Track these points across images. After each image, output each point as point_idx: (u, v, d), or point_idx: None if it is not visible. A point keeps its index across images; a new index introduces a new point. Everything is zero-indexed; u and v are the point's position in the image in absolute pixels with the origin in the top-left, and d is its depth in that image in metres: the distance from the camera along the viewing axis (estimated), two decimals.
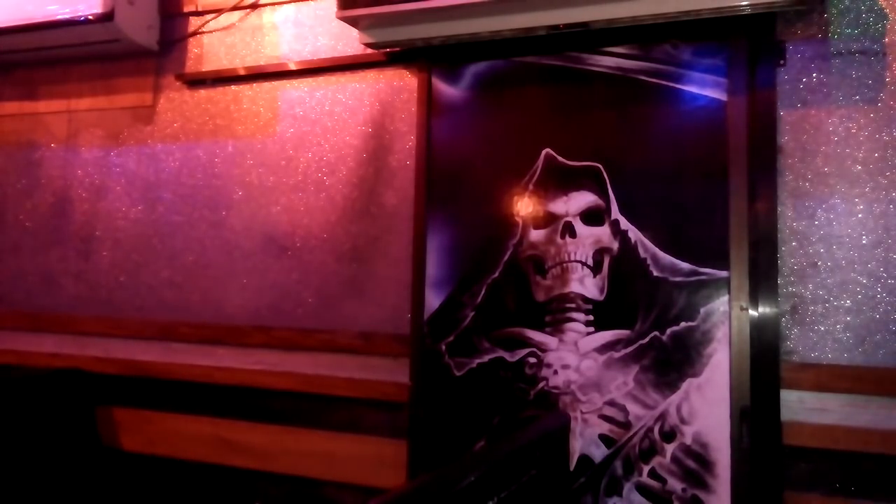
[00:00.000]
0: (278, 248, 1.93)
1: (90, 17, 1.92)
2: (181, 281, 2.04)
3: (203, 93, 2.06)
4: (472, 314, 1.65)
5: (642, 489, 1.47)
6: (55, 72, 2.26)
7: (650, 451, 1.47)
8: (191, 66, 2.08)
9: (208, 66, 2.05)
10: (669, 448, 1.46)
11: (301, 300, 1.89)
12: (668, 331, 1.48)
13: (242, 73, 2.00)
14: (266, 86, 1.98)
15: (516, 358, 1.60)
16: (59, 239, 2.21)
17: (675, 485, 1.44)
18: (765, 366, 1.41)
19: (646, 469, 1.47)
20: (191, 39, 2.08)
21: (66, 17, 1.95)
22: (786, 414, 1.40)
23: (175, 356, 2.01)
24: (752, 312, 1.43)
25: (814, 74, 1.47)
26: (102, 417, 2.05)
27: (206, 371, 1.95)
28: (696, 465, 1.43)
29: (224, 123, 2.02)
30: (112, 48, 2.07)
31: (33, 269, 2.24)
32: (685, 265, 1.48)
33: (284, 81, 1.96)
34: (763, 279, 1.43)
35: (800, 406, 1.41)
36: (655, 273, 1.50)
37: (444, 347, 1.67)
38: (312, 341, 1.85)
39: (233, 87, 2.02)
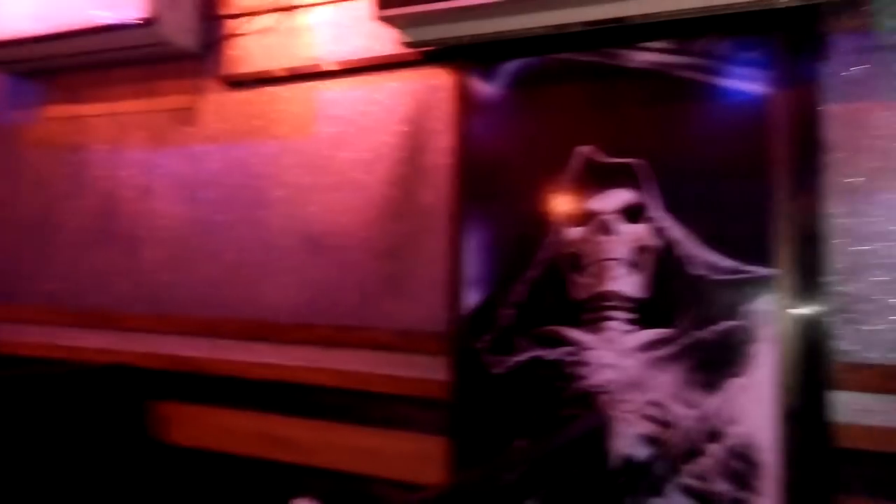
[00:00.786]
0: (316, 246, 1.95)
1: (134, 22, 1.96)
2: (223, 279, 2.08)
3: (242, 94, 2.09)
4: (509, 312, 1.65)
5: (685, 490, 1.46)
6: (99, 76, 2.32)
7: (693, 452, 1.46)
8: (230, 69, 2.11)
9: (247, 67, 2.08)
10: (713, 449, 1.44)
11: (340, 298, 1.91)
12: (712, 329, 1.45)
13: (280, 74, 2.02)
14: (303, 86, 2.00)
15: (555, 356, 1.60)
16: (107, 238, 2.28)
17: (720, 486, 1.43)
18: (812, 366, 1.38)
19: (689, 470, 1.46)
20: (230, 42, 2.11)
21: (110, 22, 1.99)
22: (835, 415, 1.37)
23: (219, 352, 2.05)
24: (799, 311, 1.39)
25: (858, 67, 1.42)
26: (151, 411, 2.11)
27: (248, 367, 1.99)
28: (741, 466, 1.41)
29: (263, 124, 2.05)
30: (154, 51, 2.11)
31: (83, 267, 2.31)
32: (728, 263, 1.45)
33: (321, 82, 1.97)
34: (810, 277, 1.39)
35: (849, 407, 1.37)
36: (697, 270, 1.48)
37: (482, 345, 1.67)
38: (352, 338, 1.88)
39: (271, 89, 2.04)
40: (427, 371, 1.75)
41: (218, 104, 2.13)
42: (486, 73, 1.73)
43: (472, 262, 1.70)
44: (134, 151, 2.25)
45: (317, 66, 1.96)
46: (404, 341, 1.81)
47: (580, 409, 1.56)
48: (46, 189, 2.40)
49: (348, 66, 1.92)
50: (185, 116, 2.17)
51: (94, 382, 2.01)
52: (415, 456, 1.76)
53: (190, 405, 2.07)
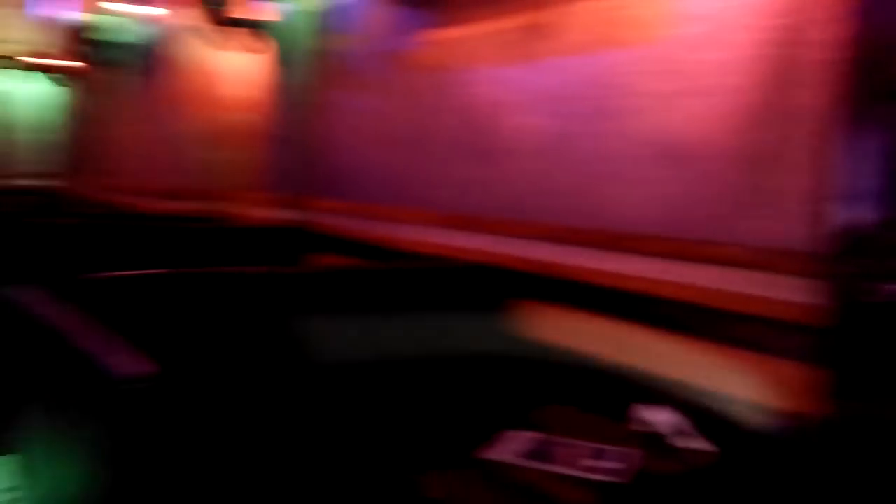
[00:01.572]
0: (670, 157, 1.89)
1: None
2: (576, 189, 2.16)
3: (598, 3, 2.07)
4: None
5: None
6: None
7: None
8: None
9: None
10: None
11: (693, 211, 1.84)
12: None
13: None
14: None
15: None
16: (480, 151, 2.52)
17: None
18: None
19: None
20: None
21: None
22: None
23: (574, 258, 2.15)
24: None
25: None
26: (514, 308, 2.33)
27: (601, 274, 2.05)
28: None
29: (619, 32, 2.02)
30: None
31: (453, 176, 2.61)
32: None
33: None
34: None
35: None
36: None
37: (862, 270, 1.46)
38: (704, 253, 1.80)
39: None
40: (788, 293, 1.61)
41: (572, 15, 2.15)
42: None
43: (855, 174, 1.48)
44: (497, 68, 2.43)
45: None
46: (763, 259, 1.67)
47: None
48: (428, 107, 2.75)
49: None
50: (543, 31, 2.25)
51: (461, 278, 2.30)
52: (778, 381, 1.65)
53: (548, 305, 2.23)
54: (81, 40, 4.76)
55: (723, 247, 1.76)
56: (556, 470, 1.49)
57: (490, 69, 2.46)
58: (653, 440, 1.68)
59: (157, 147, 4.48)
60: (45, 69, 5.82)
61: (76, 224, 3.10)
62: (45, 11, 6.75)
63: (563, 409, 1.99)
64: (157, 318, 1.72)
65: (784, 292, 1.62)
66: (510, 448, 1.59)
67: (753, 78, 1.70)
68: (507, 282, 2.32)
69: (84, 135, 6.22)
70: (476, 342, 2.24)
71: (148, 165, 4.64)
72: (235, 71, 4.03)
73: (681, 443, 1.66)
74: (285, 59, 3.50)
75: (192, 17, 3.74)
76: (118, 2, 5.08)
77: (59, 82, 6.10)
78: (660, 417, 1.72)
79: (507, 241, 2.37)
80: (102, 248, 2.75)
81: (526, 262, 2.29)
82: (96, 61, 4.95)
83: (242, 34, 3.53)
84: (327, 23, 3.37)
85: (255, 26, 3.51)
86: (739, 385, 1.74)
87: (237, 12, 3.41)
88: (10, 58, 6.52)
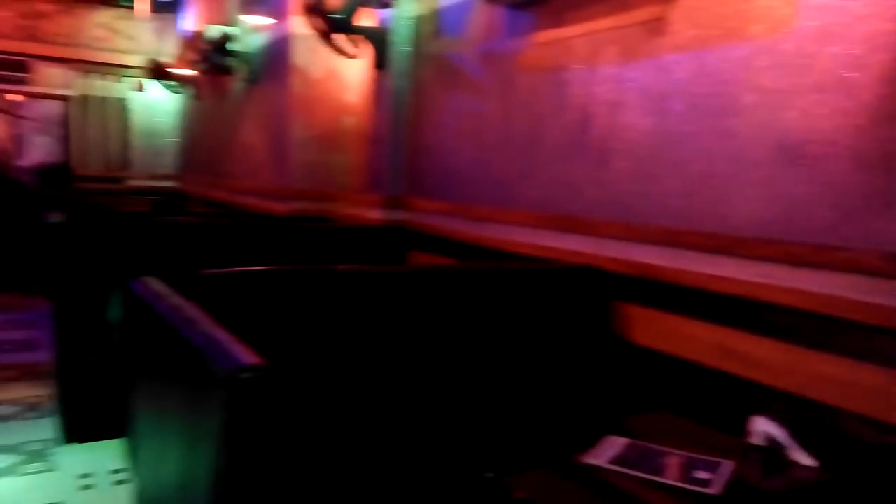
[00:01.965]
0: (791, 156, 1.79)
1: None
2: (687, 190, 2.08)
3: None
4: None
5: None
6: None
7: None
8: None
9: None
10: None
11: (815, 213, 1.73)
12: None
13: None
14: None
15: None
16: (581, 151, 2.49)
17: None
18: None
19: None
20: None
21: None
22: None
23: (681, 262, 2.08)
24: None
25: None
26: (617, 312, 2.28)
27: (710, 279, 1.97)
28: None
29: (736, 25, 1.93)
30: None
31: (561, 177, 2.58)
32: None
33: None
34: None
35: None
36: None
37: None
38: (825, 258, 1.70)
39: None
40: None
41: (689, 11, 2.07)
42: None
43: None
44: (607, 67, 2.38)
45: None
46: (893, 267, 1.55)
47: None
48: (532, 108, 2.73)
49: None
50: (657, 27, 2.18)
51: (567, 281, 2.28)
52: (886, 393, 1.53)
53: (651, 309, 2.17)
54: (198, 49, 5.05)
55: (848, 251, 1.65)
56: (650, 478, 1.46)
57: (600, 68, 2.41)
58: (755, 452, 1.60)
59: (266, 149, 4.70)
60: (164, 77, 6.21)
61: (195, 223, 3.29)
62: (164, 22, 7.23)
63: (662, 416, 1.94)
64: (267, 312, 1.80)
65: None
66: (607, 453, 1.56)
67: (885, 72, 1.58)
68: (611, 285, 2.28)
69: (199, 138, 6.60)
70: (577, 345, 2.21)
71: (258, 167, 4.86)
72: (341, 76, 4.16)
73: (785, 456, 1.58)
74: (389, 64, 3.58)
75: (300, 25, 3.89)
76: (233, 12, 5.37)
77: (176, 89, 6.51)
78: (765, 429, 1.64)
79: (613, 244, 2.32)
80: (219, 245, 2.91)
81: (631, 265, 2.23)
82: (211, 68, 5.25)
83: (348, 40, 3.64)
84: (431, 27, 3.42)
85: (360, 32, 3.61)
86: (852, 397, 1.62)
87: (341, 19, 3.52)
88: (131, 66, 7.02)
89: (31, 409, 3.61)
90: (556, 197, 2.61)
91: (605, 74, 2.38)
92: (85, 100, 7.07)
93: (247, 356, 1.27)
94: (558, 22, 2.59)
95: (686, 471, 1.48)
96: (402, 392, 1.85)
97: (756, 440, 1.64)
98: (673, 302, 2.10)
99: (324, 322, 1.85)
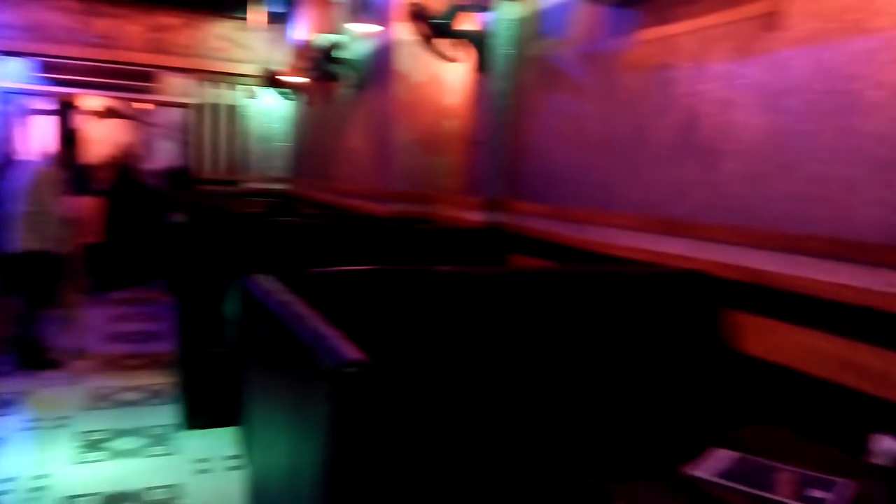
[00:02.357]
0: None
1: None
2: (804, 192, 1.97)
3: None
4: None
5: None
6: None
7: None
8: None
9: None
10: None
11: None
12: None
13: None
14: None
15: None
16: (688, 152, 2.41)
17: None
18: None
19: None
20: None
21: None
22: None
23: (797, 269, 1.98)
24: None
25: None
26: (725, 320, 2.19)
27: (829, 287, 1.86)
28: None
29: (858, 17, 1.81)
30: None
31: (666, 179, 2.51)
32: None
33: None
34: None
35: None
36: None
37: None
38: None
39: None
40: None
41: (808, 2, 1.97)
42: None
43: None
44: (716, 64, 2.29)
45: None
46: None
47: None
48: (635, 108, 2.67)
49: None
50: (771, 21, 2.08)
51: (672, 286, 2.21)
52: None
53: (764, 318, 2.07)
54: (308, 57, 5.27)
55: None
56: (760, 494, 1.40)
57: (709, 66, 2.33)
58: (879, 473, 1.49)
59: (370, 153, 4.83)
60: (276, 84, 6.51)
61: (304, 224, 3.44)
62: (277, 32, 7.58)
63: (773, 429, 1.85)
64: (370, 309, 1.86)
65: None
66: (713, 466, 1.50)
67: None
68: (719, 291, 2.19)
69: (308, 143, 6.87)
70: (682, 352, 2.14)
71: (362, 170, 5.01)
72: (442, 80, 4.22)
73: None
74: (489, 66, 3.60)
75: (404, 31, 3.98)
76: (341, 21, 5.56)
77: (287, 96, 6.80)
78: (891, 448, 1.53)
79: (721, 248, 2.23)
80: (325, 245, 3.03)
81: (742, 270, 2.14)
82: (320, 76, 5.46)
83: (450, 44, 3.69)
84: (532, 28, 3.41)
85: (462, 36, 3.65)
86: None
87: (443, 24, 3.57)
88: (246, 75, 7.41)
89: (155, 396, 3.89)
90: (659, 199, 2.54)
91: (714, 72, 2.30)
92: (204, 107, 7.52)
93: (351, 352, 1.32)
94: (664, 19, 2.52)
95: (799, 488, 1.41)
96: (502, 393, 1.86)
97: (880, 460, 1.53)
98: (787, 310, 1.99)
99: (423, 321, 1.88)
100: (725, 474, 1.47)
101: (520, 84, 3.53)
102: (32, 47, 6.73)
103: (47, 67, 6.62)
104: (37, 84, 6.79)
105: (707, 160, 2.32)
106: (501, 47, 3.57)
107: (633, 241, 2.63)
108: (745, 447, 1.59)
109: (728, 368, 2.16)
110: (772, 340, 2.04)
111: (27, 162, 4.79)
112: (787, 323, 1.99)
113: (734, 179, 2.21)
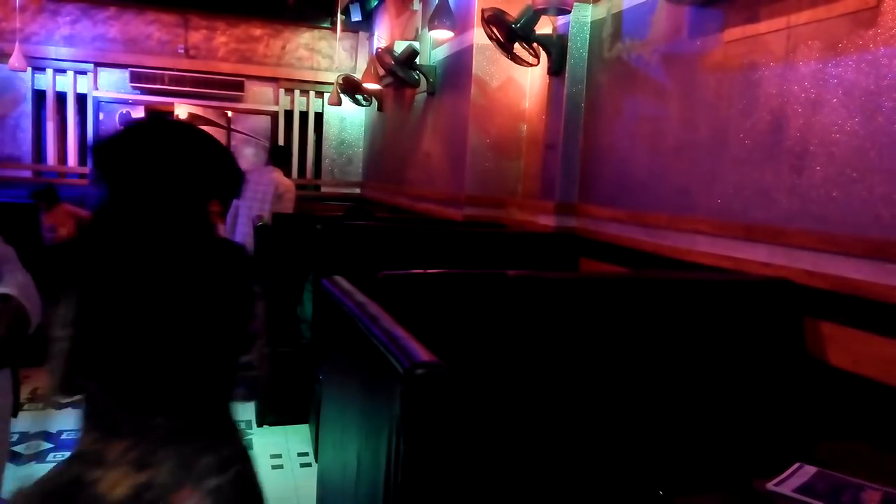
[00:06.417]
0: None
1: None
2: None
3: None
4: None
5: None
6: None
7: None
8: None
9: None
10: None
11: None
12: None
13: None
14: None
15: None
16: (775, 155, 2.31)
17: None
18: None
19: None
20: None
21: None
22: None
23: (888, 278, 1.87)
24: None
25: None
26: (809, 329, 2.09)
27: None
28: None
29: None
30: None
31: (750, 183, 2.41)
32: None
33: None
34: None
35: None
36: None
37: None
38: None
39: None
40: None
41: None
42: None
43: None
44: (807, 63, 2.19)
45: None
46: None
47: None
48: (718, 109, 2.58)
49: None
50: (866, 18, 1.97)
51: (755, 294, 2.12)
52: None
53: (850, 328, 1.97)
54: (386, 64, 5.35)
55: None
56: None
57: (798, 65, 2.23)
58: None
59: (444, 158, 4.86)
60: (355, 91, 6.64)
61: (379, 227, 3.50)
62: (356, 40, 7.75)
63: (857, 444, 1.75)
64: (442, 312, 1.87)
65: None
66: (792, 481, 1.43)
67: None
68: (806, 300, 2.09)
69: (384, 149, 6.98)
70: (764, 362, 2.05)
71: (436, 175, 5.05)
72: (517, 83, 4.21)
73: None
74: (564, 70, 3.56)
75: (480, 36, 3.98)
76: (419, 27, 5.63)
77: (366, 103, 6.94)
78: None
79: (807, 255, 2.13)
80: (399, 248, 3.07)
81: (832, 279, 2.04)
82: (397, 82, 5.53)
83: (526, 48, 3.67)
84: (609, 30, 3.35)
85: (538, 40, 3.62)
86: None
87: (520, 28, 3.56)
88: (326, 83, 7.60)
89: None
90: (741, 204, 2.44)
91: (803, 72, 2.20)
92: (286, 114, 7.77)
93: (423, 353, 1.33)
94: (750, 18, 2.42)
95: None
96: (572, 400, 1.83)
97: None
98: (880, 322, 1.88)
99: (495, 325, 1.88)
100: (803, 490, 1.39)
101: (594, 87, 3.48)
102: (129, 59, 7.12)
103: (138, 77, 6.99)
104: (129, 94, 7.18)
105: (794, 163, 2.22)
106: (578, 50, 3.53)
107: (713, 247, 2.55)
108: (824, 462, 1.51)
109: (810, 379, 2.06)
110: (862, 352, 1.93)
111: None
112: (880, 335, 1.88)
113: (823, 183, 2.11)
